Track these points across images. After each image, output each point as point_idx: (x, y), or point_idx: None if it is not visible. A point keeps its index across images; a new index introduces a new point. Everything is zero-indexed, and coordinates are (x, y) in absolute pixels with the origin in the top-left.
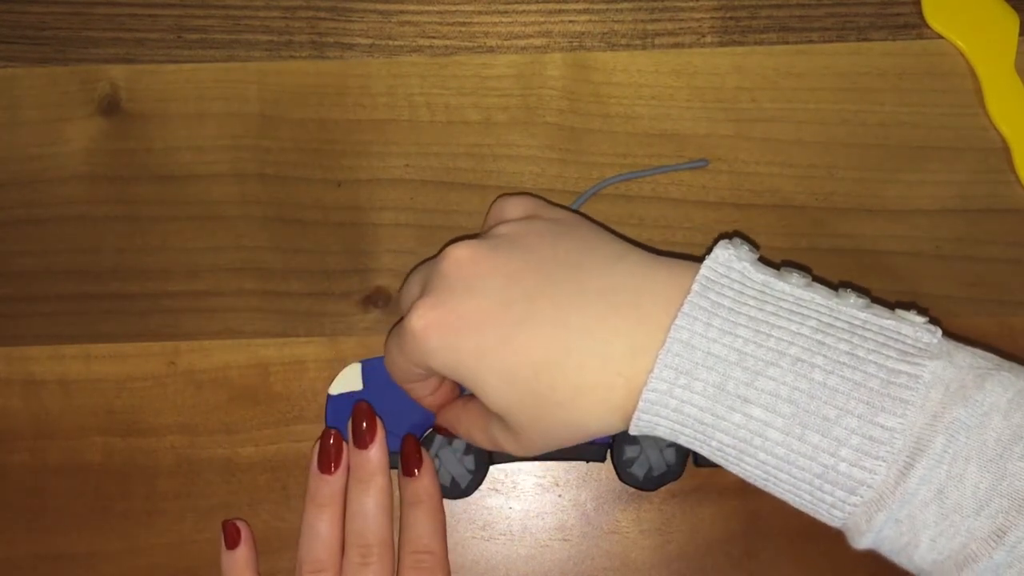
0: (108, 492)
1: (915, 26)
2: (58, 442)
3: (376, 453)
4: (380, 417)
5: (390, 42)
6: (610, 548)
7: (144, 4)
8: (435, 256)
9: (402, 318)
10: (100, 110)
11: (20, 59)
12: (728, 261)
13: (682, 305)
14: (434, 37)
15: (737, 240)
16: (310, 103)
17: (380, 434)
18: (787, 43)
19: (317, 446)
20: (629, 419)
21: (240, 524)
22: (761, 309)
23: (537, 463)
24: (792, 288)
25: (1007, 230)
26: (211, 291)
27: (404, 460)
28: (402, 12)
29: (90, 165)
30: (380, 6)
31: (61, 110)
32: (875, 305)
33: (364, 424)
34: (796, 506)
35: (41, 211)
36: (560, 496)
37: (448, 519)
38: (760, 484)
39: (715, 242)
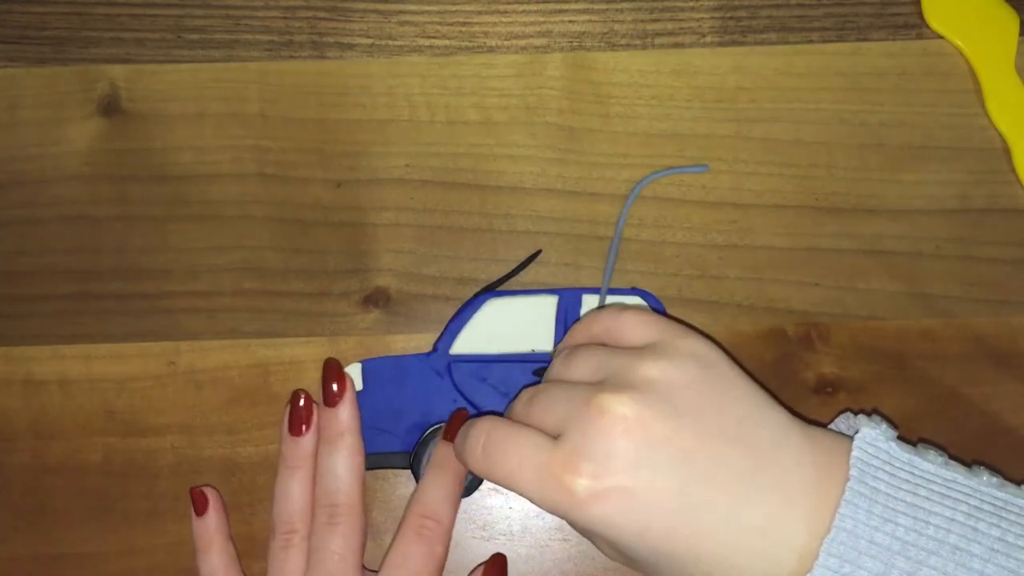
0: (108, 492)
1: (915, 26)
2: (58, 442)
3: (345, 411)
4: (378, 414)
5: (390, 42)
6: None
7: (144, 4)
8: (568, 386)
9: (520, 422)
10: (100, 110)
11: (20, 59)
12: (876, 441)
13: (844, 492)
14: (434, 37)
15: (876, 417)
16: (310, 103)
17: (350, 393)
18: (787, 43)
19: (288, 408)
20: None
21: (208, 490)
22: (915, 494)
23: None
24: (936, 468)
25: (1007, 230)
26: (211, 291)
27: (449, 426)
28: (402, 12)
29: (90, 165)
30: (380, 6)
31: (61, 110)
32: (1008, 483)
33: (333, 383)
34: None
35: (41, 211)
36: None
37: None
38: None
39: (838, 414)
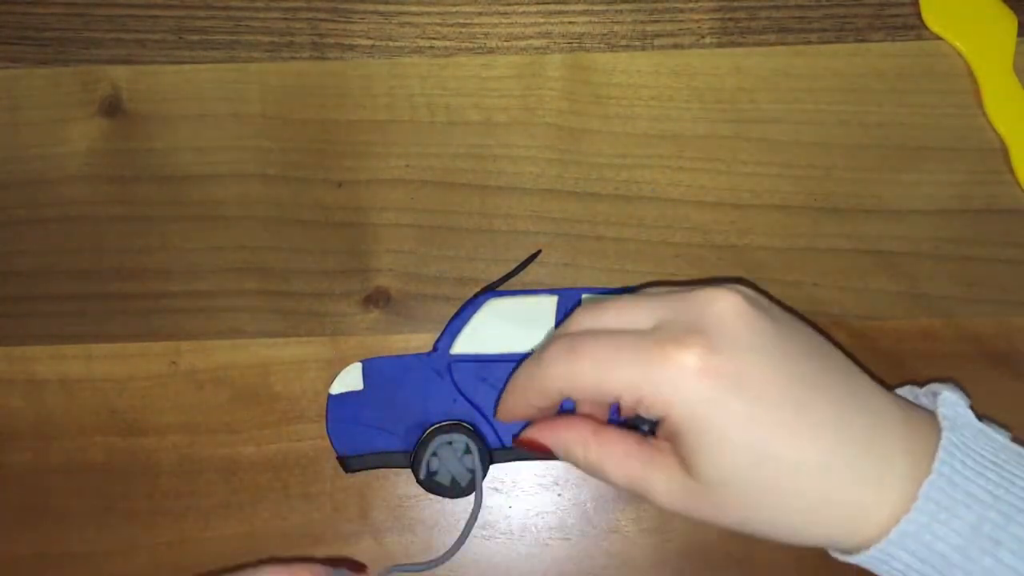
0: (110, 491)
1: (913, 27)
2: (60, 442)
3: None
4: (378, 414)
5: (391, 43)
6: (610, 547)
7: (145, 5)
8: (668, 289)
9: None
10: (101, 111)
11: (22, 60)
12: (958, 404)
13: (940, 440)
14: (434, 38)
15: (951, 384)
16: (311, 104)
17: None
18: (786, 44)
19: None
20: (859, 546)
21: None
22: (996, 456)
23: (537, 462)
24: (1005, 440)
25: (1006, 230)
26: (212, 291)
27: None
28: (403, 13)
29: (91, 166)
30: (381, 7)
31: (63, 111)
32: None
33: None
34: None
35: (43, 211)
36: (560, 495)
37: (448, 518)
38: None
39: (900, 385)
